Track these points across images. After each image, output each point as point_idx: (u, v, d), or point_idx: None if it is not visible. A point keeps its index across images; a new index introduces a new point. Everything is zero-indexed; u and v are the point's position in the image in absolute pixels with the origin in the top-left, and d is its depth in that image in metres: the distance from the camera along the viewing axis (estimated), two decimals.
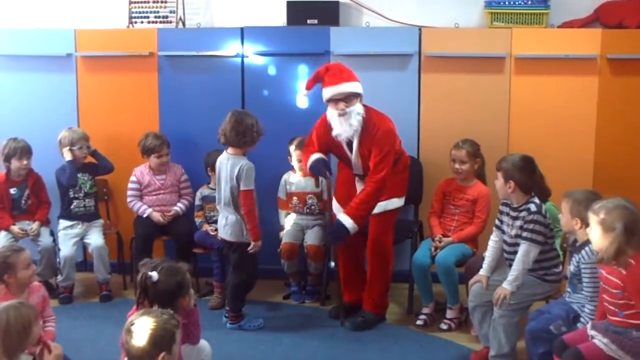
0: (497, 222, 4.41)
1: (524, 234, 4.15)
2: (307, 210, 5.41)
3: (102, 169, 5.60)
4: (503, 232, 4.34)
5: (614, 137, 5.40)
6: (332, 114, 4.67)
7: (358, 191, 4.82)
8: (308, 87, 4.78)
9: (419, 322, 4.93)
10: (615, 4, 5.52)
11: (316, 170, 4.81)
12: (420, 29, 5.51)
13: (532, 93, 5.43)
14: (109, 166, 5.62)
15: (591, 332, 3.51)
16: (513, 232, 4.25)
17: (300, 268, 5.37)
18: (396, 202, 4.92)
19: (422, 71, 5.48)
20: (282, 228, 5.42)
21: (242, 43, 5.62)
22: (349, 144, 4.75)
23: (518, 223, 4.22)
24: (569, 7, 5.58)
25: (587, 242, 3.70)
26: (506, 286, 4.12)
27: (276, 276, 5.48)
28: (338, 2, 5.69)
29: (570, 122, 5.41)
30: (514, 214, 4.27)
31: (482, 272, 4.35)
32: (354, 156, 4.77)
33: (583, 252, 3.79)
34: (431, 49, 5.45)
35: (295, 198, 5.42)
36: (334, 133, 4.70)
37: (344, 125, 4.63)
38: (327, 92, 4.64)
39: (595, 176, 5.38)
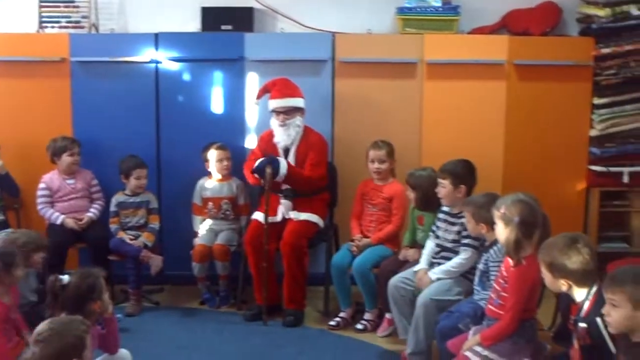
0: (433, 227, 4.60)
1: (466, 240, 4.35)
2: (222, 215, 5.51)
3: (6, 191, 5.59)
4: (437, 237, 4.54)
5: (521, 139, 5.65)
6: (274, 123, 5.21)
7: (280, 212, 5.21)
8: (258, 97, 5.32)
9: (332, 323, 5.08)
10: (521, 12, 5.78)
11: (263, 165, 5.05)
12: (333, 35, 5.67)
13: (443, 97, 5.63)
14: (15, 192, 5.64)
15: (469, 341, 3.73)
16: (450, 237, 4.46)
17: (210, 273, 5.45)
18: (316, 219, 5.25)
19: (335, 76, 5.64)
20: (195, 234, 5.50)
21: (157, 49, 5.66)
22: (286, 154, 5.21)
23: (455, 228, 4.44)
24: (478, 14, 5.81)
25: (496, 242, 3.90)
26: (431, 275, 4.34)
27: (190, 282, 5.53)
28: (252, 8, 5.80)
29: (480, 125, 5.63)
30: (451, 219, 4.48)
31: (422, 265, 4.53)
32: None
33: (491, 250, 3.99)
34: (344, 54, 5.61)
35: (210, 203, 5.51)
36: (274, 140, 5.21)
37: (283, 135, 5.15)
38: (272, 104, 5.18)
39: (504, 178, 5.61)
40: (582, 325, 3.18)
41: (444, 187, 4.49)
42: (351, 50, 5.62)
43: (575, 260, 3.23)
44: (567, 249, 3.26)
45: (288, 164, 5.11)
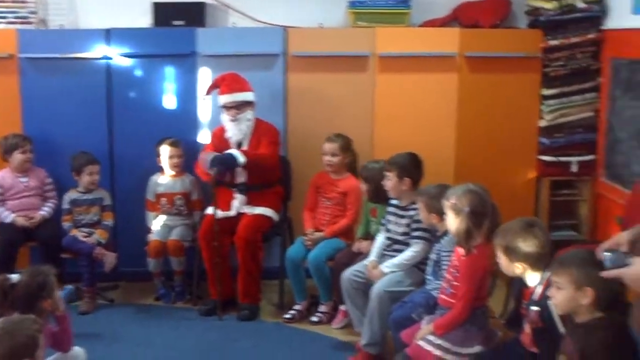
0: (383, 220, 4.66)
1: (416, 233, 4.42)
2: (176, 211, 5.52)
3: None
4: (388, 230, 4.60)
5: (473, 130, 5.74)
6: (225, 118, 5.23)
7: (234, 207, 5.20)
8: (207, 93, 5.32)
9: (287, 316, 5.13)
10: (471, 4, 5.87)
11: (219, 161, 5.10)
12: (285, 29, 5.68)
13: (395, 90, 5.69)
14: None
15: (422, 330, 3.82)
16: (400, 230, 4.53)
17: (166, 268, 5.46)
18: (271, 213, 5.27)
19: (288, 70, 5.66)
20: (149, 230, 5.49)
21: (108, 45, 5.63)
22: (239, 148, 5.19)
23: (404, 221, 4.50)
24: (429, 7, 5.88)
25: (447, 232, 3.97)
26: (384, 269, 4.40)
27: (145, 279, 5.54)
28: (204, 3, 5.80)
29: (432, 117, 5.71)
30: (401, 212, 4.55)
31: (372, 257, 4.60)
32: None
33: (443, 240, 4.08)
34: (296, 48, 5.64)
35: (163, 199, 5.51)
36: (226, 135, 5.22)
37: (234, 130, 5.19)
38: (221, 99, 5.19)
39: (456, 169, 5.70)
40: (535, 308, 3.28)
41: (390, 180, 4.56)
42: (303, 44, 5.65)
43: (530, 244, 3.34)
44: (523, 232, 3.37)
45: (243, 151, 5.14)
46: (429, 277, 4.20)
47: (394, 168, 4.55)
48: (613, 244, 2.70)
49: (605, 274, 2.64)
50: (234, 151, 5.13)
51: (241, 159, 5.09)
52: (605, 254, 2.68)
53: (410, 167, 4.57)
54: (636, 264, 2.40)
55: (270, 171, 5.30)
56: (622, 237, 2.69)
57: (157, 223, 5.48)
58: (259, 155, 5.18)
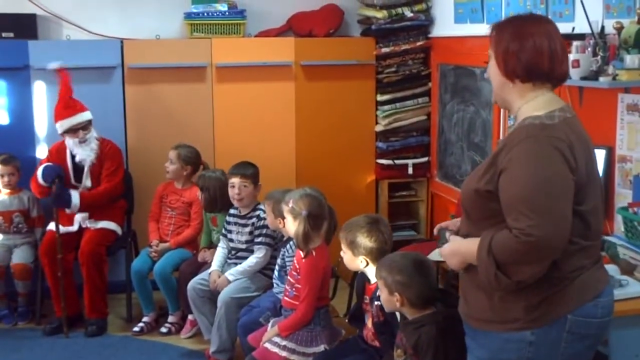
0: (224, 231, 4.86)
1: (259, 239, 4.65)
2: (15, 229, 5.49)
3: None
4: (231, 240, 4.80)
5: (312, 137, 6.07)
6: (72, 142, 5.29)
7: (76, 222, 5.32)
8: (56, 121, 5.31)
9: (136, 329, 5.25)
10: (305, 14, 6.19)
11: (49, 173, 5.15)
12: (122, 41, 5.82)
13: (233, 100, 5.94)
14: None
15: (268, 333, 4.04)
16: (244, 239, 4.75)
17: (8, 290, 5.45)
18: (114, 227, 5.42)
19: (126, 83, 5.79)
20: None
21: None
22: (77, 170, 5.28)
23: (247, 229, 4.73)
24: (264, 18, 6.16)
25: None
26: (228, 276, 4.62)
27: None
28: (35, 14, 5.80)
29: (272, 125, 6.00)
30: (242, 221, 4.77)
31: (214, 267, 4.80)
32: (84, 177, 5.34)
33: (287, 245, 4.32)
34: (134, 60, 5.78)
35: (0, 217, 5.49)
36: (78, 159, 5.30)
37: (87, 150, 5.30)
38: (65, 124, 5.24)
39: (297, 174, 6.01)
40: (377, 303, 3.52)
41: (247, 187, 4.79)
42: (140, 56, 5.80)
43: (375, 239, 3.61)
44: (368, 227, 3.63)
45: (84, 193, 5.26)
46: (275, 281, 4.44)
47: (249, 177, 4.79)
48: (451, 224, 3.01)
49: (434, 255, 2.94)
50: (73, 193, 5.21)
51: (76, 201, 5.20)
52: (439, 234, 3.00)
53: (258, 174, 4.85)
54: (450, 242, 2.73)
55: (107, 202, 5.44)
56: (457, 222, 2.99)
57: None
58: (96, 195, 5.31)
